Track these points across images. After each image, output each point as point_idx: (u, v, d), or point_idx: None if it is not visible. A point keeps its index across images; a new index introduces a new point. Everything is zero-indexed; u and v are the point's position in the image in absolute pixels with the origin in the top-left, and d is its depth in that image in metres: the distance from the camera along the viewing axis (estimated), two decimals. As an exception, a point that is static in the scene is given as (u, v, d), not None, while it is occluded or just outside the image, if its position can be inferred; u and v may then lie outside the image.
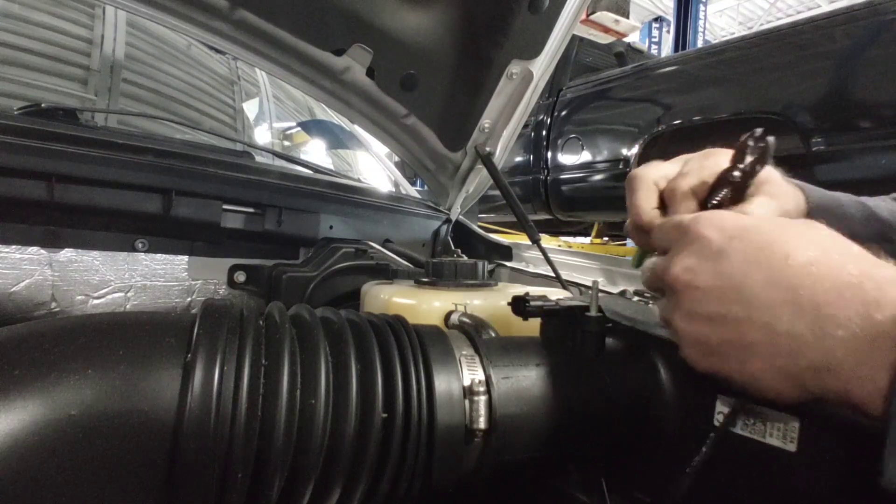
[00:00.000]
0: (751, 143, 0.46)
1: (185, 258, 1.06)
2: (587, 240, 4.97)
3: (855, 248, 0.35)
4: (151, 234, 1.02)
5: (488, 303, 0.73)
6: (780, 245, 0.36)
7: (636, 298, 0.84)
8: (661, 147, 3.21)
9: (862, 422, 0.36)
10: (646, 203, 0.52)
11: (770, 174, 0.53)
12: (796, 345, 0.34)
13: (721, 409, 0.43)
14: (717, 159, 0.50)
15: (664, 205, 0.52)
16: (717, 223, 0.39)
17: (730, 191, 0.47)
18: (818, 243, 0.36)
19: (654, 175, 0.53)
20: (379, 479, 0.42)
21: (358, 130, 1.90)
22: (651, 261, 0.46)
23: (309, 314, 0.46)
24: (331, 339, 0.44)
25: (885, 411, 0.31)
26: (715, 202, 0.47)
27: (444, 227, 1.45)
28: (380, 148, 1.75)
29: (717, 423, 0.43)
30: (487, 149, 1.26)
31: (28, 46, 1.32)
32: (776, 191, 0.53)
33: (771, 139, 0.46)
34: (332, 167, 1.69)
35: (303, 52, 1.13)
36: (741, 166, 0.46)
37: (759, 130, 0.46)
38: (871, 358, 0.31)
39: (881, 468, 0.30)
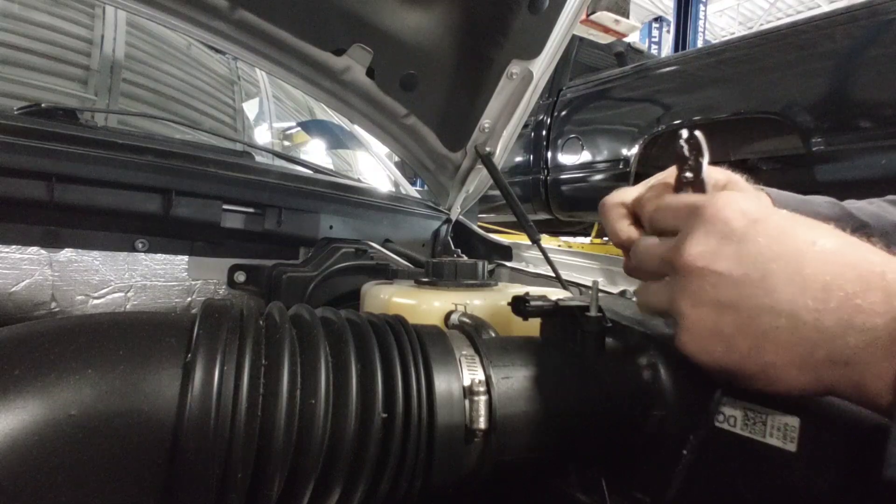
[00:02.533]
0: (684, 143, 0.47)
1: (185, 258, 1.06)
2: (587, 240, 4.97)
3: (865, 242, 0.35)
4: (151, 234, 1.02)
5: (488, 303, 0.73)
6: (804, 232, 0.35)
7: (636, 298, 0.83)
8: (661, 147, 3.22)
9: (864, 420, 0.36)
10: (620, 223, 0.52)
11: (732, 177, 0.54)
12: (819, 335, 0.33)
13: (721, 409, 0.43)
14: (673, 171, 0.50)
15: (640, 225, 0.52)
16: (738, 205, 0.37)
17: (691, 191, 0.47)
18: (835, 232, 0.35)
19: (620, 198, 0.54)
20: (379, 479, 0.42)
21: (358, 130, 1.90)
22: (645, 240, 0.46)
23: (309, 314, 0.46)
24: (331, 339, 0.44)
25: (891, 402, 0.30)
26: None
27: (444, 227, 1.45)
28: (380, 148, 1.75)
29: (717, 423, 0.43)
30: (487, 149, 1.26)
31: (28, 46, 1.32)
32: (742, 188, 0.54)
33: (698, 133, 0.46)
34: (332, 167, 1.69)
35: (303, 52, 1.13)
36: (688, 165, 0.47)
37: (684, 132, 0.47)
38: (890, 350, 0.31)
39: (884, 459, 0.30)
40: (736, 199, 0.38)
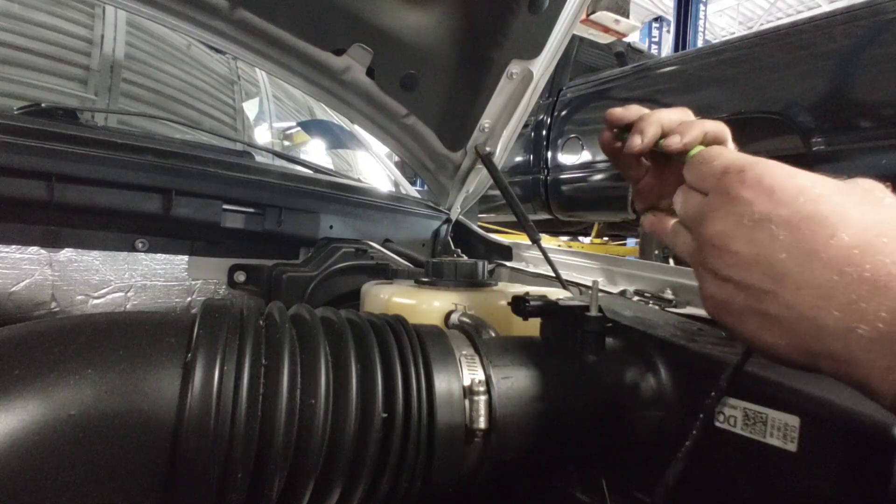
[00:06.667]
0: None
1: (185, 258, 1.06)
2: (587, 240, 4.97)
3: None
4: (151, 234, 1.02)
5: (488, 303, 0.73)
6: (829, 219, 0.33)
7: (636, 298, 0.84)
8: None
9: (864, 420, 0.36)
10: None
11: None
12: (818, 332, 0.33)
13: (721, 409, 0.43)
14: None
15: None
16: (766, 184, 0.36)
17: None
18: (871, 220, 0.33)
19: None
20: (379, 479, 0.42)
21: (358, 130, 1.90)
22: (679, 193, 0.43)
23: (309, 314, 0.46)
24: (331, 339, 0.44)
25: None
26: None
27: (444, 226, 1.45)
28: (380, 148, 1.75)
29: (717, 423, 0.43)
30: (487, 149, 1.26)
31: (28, 46, 1.32)
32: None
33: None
34: (332, 167, 1.69)
35: (303, 52, 1.13)
36: None
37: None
38: None
39: (890, 476, 0.29)
40: (767, 176, 0.36)
